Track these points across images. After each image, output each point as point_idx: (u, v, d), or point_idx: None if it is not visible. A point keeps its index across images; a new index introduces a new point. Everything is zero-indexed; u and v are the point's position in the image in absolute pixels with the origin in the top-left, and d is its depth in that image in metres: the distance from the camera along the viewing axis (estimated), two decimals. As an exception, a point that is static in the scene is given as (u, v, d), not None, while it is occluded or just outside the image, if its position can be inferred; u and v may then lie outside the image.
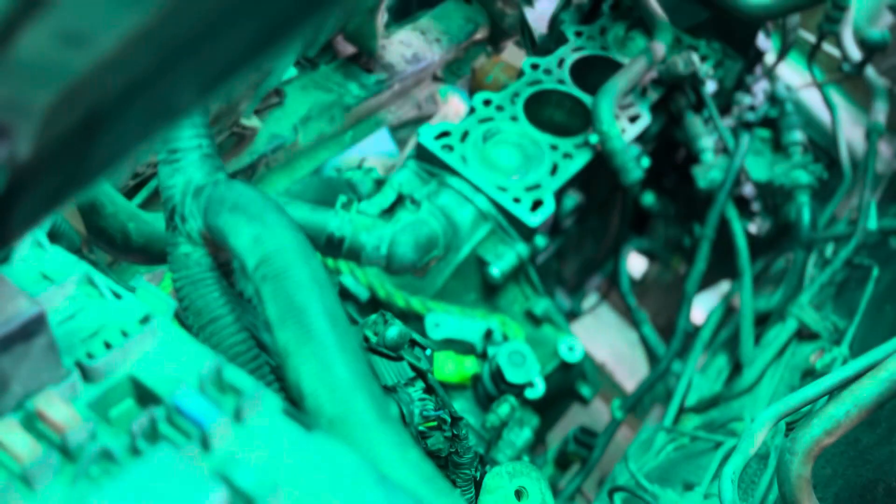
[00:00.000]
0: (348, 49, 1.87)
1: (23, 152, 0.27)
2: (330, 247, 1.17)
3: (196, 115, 0.71)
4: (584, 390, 1.41)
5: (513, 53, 2.10)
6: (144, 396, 0.39)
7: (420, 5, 2.10)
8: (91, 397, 0.38)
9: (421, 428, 0.79)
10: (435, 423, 0.80)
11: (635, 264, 1.93)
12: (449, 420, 0.82)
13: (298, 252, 0.59)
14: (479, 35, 2.07)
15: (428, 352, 0.85)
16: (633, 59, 1.48)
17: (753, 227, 1.63)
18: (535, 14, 1.92)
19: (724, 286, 1.81)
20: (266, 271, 0.58)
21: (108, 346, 0.41)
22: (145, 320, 0.42)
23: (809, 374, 1.20)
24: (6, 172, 0.26)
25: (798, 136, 1.54)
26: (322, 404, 0.53)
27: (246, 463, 0.36)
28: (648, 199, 1.72)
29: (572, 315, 1.73)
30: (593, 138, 1.40)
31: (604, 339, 2.01)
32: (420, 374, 0.82)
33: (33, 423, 0.36)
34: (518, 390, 1.18)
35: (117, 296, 0.43)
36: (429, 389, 0.81)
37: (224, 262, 0.72)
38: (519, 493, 0.83)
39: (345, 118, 1.83)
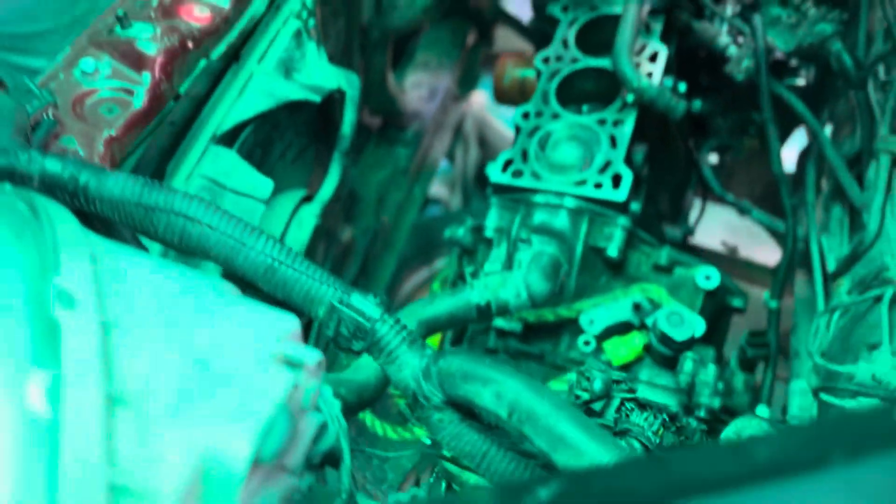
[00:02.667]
0: (376, 121, 2.03)
1: None
2: (481, 315, 1.34)
3: (377, 305, 0.87)
4: (736, 302, 1.54)
5: (507, 39, 2.20)
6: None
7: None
8: None
9: (655, 440, 0.96)
10: (662, 430, 0.97)
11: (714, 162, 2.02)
12: (667, 418, 0.99)
13: (531, 390, 0.77)
14: (470, 39, 2.19)
15: (625, 376, 1.01)
16: (625, 7, 1.56)
17: (802, 81, 1.70)
18: (511, 2, 2.01)
19: (801, 137, 1.88)
20: (519, 416, 0.76)
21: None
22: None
23: (927, 200, 1.29)
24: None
25: (803, -10, 1.59)
26: None
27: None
28: (697, 105, 1.80)
29: (686, 238, 1.85)
30: (630, 97, 1.51)
31: (721, 234, 2.13)
32: (631, 401, 0.99)
33: None
34: (689, 345, 1.33)
35: None
36: (641, 406, 0.98)
37: (459, 402, 0.89)
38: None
39: (407, 178, 1.99)
